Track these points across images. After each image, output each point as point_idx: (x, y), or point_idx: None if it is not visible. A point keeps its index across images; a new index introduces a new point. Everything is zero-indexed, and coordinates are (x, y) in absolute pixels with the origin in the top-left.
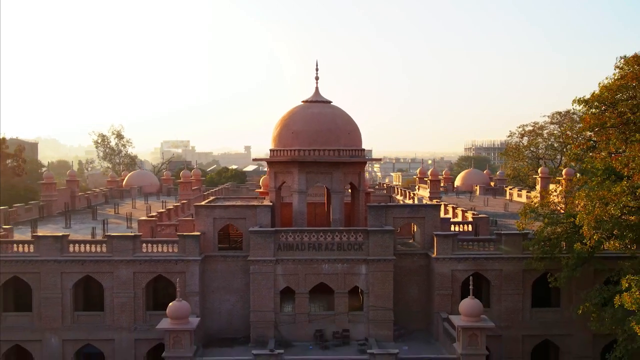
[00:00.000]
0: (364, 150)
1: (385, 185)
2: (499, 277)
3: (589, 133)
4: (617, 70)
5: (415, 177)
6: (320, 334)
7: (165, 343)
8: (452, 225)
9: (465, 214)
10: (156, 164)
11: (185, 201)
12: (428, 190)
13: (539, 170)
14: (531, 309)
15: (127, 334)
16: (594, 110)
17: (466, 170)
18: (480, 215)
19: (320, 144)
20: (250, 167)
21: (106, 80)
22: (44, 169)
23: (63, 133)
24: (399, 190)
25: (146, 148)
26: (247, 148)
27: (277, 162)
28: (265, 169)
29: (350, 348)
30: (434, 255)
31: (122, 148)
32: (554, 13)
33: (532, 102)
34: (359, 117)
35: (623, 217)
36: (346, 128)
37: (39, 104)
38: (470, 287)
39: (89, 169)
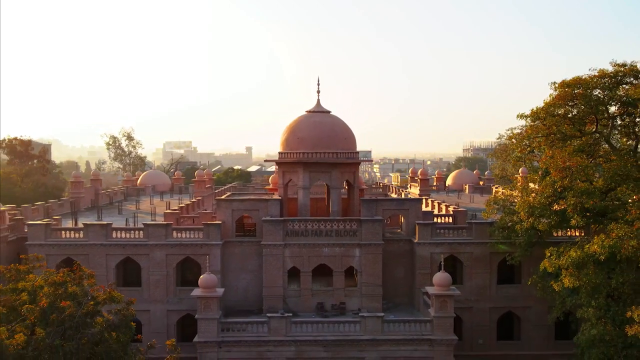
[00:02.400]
0: (357, 152)
1: (381, 184)
2: (470, 258)
3: (526, 141)
4: (550, 92)
5: (407, 176)
6: (321, 306)
7: (198, 308)
8: (435, 217)
9: (448, 208)
10: (159, 164)
11: (200, 197)
12: (418, 188)
13: (520, 170)
14: (497, 285)
15: (161, 306)
16: (531, 123)
17: (457, 170)
18: (459, 209)
19: (321, 147)
20: (254, 168)
21: (107, 80)
22: (57, 169)
23: (64, 133)
24: (393, 188)
25: (148, 148)
26: (248, 149)
27: (285, 163)
28: (267, 170)
29: (346, 317)
30: (416, 240)
31: (132, 149)
32: (554, 13)
33: (532, 103)
34: (360, 118)
35: (548, 204)
36: (343, 134)
37: (39, 105)
38: (442, 263)
39: (101, 169)
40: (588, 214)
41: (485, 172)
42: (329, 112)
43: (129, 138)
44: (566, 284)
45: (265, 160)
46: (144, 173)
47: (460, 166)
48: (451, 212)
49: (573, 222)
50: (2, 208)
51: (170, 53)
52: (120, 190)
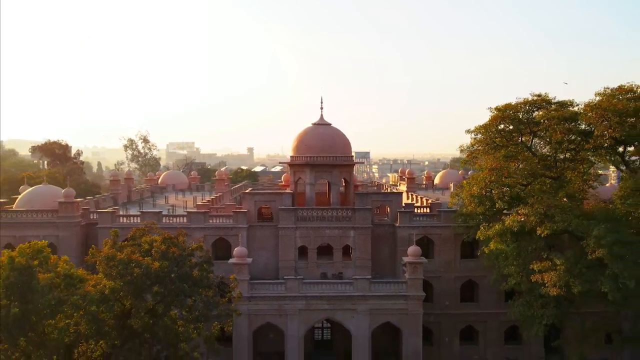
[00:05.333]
0: (352, 156)
1: (377, 183)
2: (439, 239)
3: (471, 149)
4: (490, 114)
5: (397, 176)
6: (323, 275)
7: (234, 271)
8: (415, 208)
9: (427, 201)
10: (164, 164)
11: (220, 193)
12: (405, 185)
13: (469, 172)
14: (460, 259)
15: None
16: (474, 136)
17: (444, 171)
18: (434, 202)
19: (324, 152)
20: (259, 168)
21: (111, 82)
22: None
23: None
24: (386, 186)
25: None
26: (250, 149)
27: (295, 164)
28: (271, 170)
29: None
30: (397, 224)
31: (147, 151)
32: (554, 14)
33: None
34: (360, 119)
35: (485, 193)
36: (341, 142)
37: (40, 107)
38: (413, 239)
39: (119, 169)
40: (510, 200)
41: (469, 172)
42: (329, 124)
43: (145, 141)
44: (492, 247)
45: (280, 163)
46: (164, 173)
47: (455, 166)
48: (428, 204)
49: (497, 205)
50: (77, 200)
51: (172, 57)
52: (146, 188)
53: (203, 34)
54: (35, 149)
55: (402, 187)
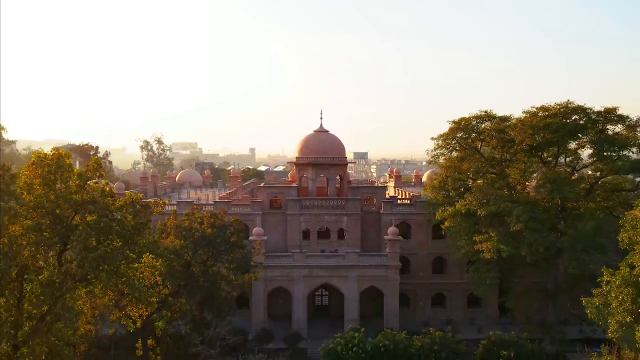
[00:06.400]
0: (346, 157)
1: (371, 181)
2: (415, 223)
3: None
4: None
5: (387, 174)
6: (322, 252)
7: (254, 247)
8: (399, 200)
9: (409, 194)
10: (177, 164)
11: (234, 189)
12: (393, 182)
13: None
14: (431, 240)
15: None
16: (437, 142)
17: (430, 169)
18: (414, 195)
19: (323, 154)
20: (263, 167)
21: (110, 81)
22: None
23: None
24: (378, 183)
25: None
26: (252, 150)
27: (300, 164)
28: (274, 170)
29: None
30: (382, 211)
31: (161, 152)
32: (554, 14)
33: (531, 104)
34: (360, 119)
35: (443, 185)
36: (337, 146)
37: (41, 107)
38: (393, 223)
39: (136, 168)
40: (462, 189)
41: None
42: (327, 131)
43: (159, 142)
44: (447, 225)
45: (288, 162)
46: (181, 172)
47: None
48: (408, 197)
49: (451, 194)
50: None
51: (173, 57)
52: (167, 184)
53: (203, 34)
54: (71, 150)
55: (391, 184)
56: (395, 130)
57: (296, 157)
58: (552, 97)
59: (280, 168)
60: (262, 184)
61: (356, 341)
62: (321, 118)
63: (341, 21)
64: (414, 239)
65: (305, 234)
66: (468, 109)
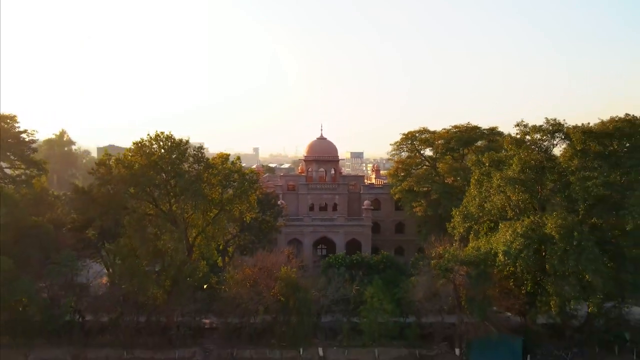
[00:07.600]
0: (338, 156)
1: (359, 175)
2: (384, 200)
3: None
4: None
5: (370, 170)
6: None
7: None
8: (374, 185)
9: (382, 182)
10: None
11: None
12: (374, 175)
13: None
14: (394, 210)
15: None
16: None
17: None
18: (386, 183)
19: (323, 154)
20: (271, 165)
21: (110, 81)
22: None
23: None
24: (368, 177)
25: None
26: (255, 149)
27: (307, 160)
28: (280, 167)
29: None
30: (361, 192)
31: None
32: (554, 14)
33: (531, 104)
34: (359, 119)
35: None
36: (332, 148)
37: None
38: (368, 200)
39: None
40: (407, 176)
41: None
42: (325, 138)
43: None
44: (397, 197)
45: (299, 159)
46: None
47: None
48: (381, 184)
49: (400, 179)
50: None
51: (173, 57)
52: None
53: (203, 33)
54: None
55: (373, 176)
56: (395, 130)
57: (304, 156)
58: (552, 97)
59: (286, 166)
60: (282, 174)
61: (341, 257)
62: (321, 129)
63: (341, 21)
64: (382, 210)
65: (311, 207)
66: (468, 109)
